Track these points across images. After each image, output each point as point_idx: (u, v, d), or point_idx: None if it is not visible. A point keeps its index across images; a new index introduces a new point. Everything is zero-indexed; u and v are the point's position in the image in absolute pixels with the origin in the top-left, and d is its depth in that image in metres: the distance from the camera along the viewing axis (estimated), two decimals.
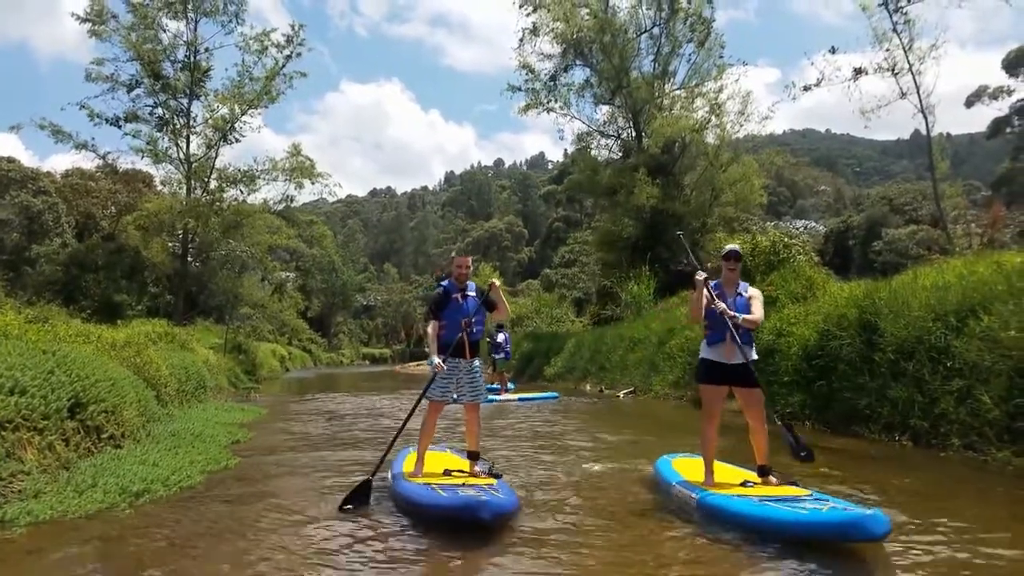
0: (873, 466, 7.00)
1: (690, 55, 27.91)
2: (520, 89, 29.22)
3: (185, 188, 24.77)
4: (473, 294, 5.83)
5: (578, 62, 28.96)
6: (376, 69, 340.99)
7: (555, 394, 16.39)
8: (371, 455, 7.97)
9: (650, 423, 11.97)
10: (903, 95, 21.29)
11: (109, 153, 24.89)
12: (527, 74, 28.99)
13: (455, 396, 5.74)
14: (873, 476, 6.24)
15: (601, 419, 12.55)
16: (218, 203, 24.95)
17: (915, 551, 3.95)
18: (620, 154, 29.48)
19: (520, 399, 15.41)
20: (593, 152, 30.74)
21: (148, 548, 4.26)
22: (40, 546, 4.23)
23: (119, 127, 23.93)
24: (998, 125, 47.12)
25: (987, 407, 6.78)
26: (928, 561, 3.79)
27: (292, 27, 25.16)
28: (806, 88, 23.62)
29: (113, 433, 7.10)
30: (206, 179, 24.98)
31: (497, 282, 5.92)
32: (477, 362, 5.83)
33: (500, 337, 17.33)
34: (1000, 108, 45.95)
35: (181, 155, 24.65)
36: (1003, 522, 4.69)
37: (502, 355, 17.39)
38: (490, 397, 15.01)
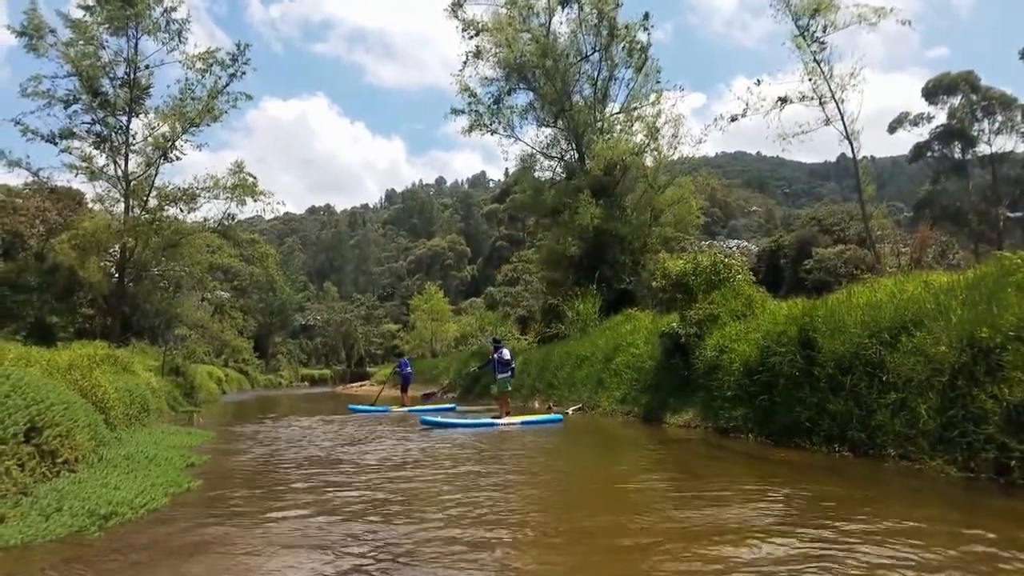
0: (811, 475, 7.41)
1: (628, 80, 28.81)
2: (463, 112, 29.65)
3: (123, 206, 24.19)
4: None
5: (521, 86, 29.58)
6: (298, 85, 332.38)
7: (558, 416, 15.45)
8: (335, 477, 8.03)
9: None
10: (828, 122, 22.34)
11: (42, 170, 24.18)
12: (469, 97, 29.49)
13: None
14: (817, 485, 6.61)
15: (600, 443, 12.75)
16: (158, 222, 24.40)
17: (859, 552, 4.29)
18: (563, 175, 30.05)
19: (523, 423, 14.24)
20: (536, 173, 31.25)
21: (128, 569, 4.27)
22: (11, 571, 4.21)
23: (55, 144, 23.29)
24: (919, 150, 49.59)
25: (923, 418, 7.20)
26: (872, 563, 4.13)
27: (238, 46, 25.00)
28: (733, 118, 24.63)
29: (67, 458, 6.97)
30: (145, 197, 24.46)
31: None
32: None
33: (507, 353, 15.71)
34: (921, 134, 48.73)
35: (119, 173, 24.10)
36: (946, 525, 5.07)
37: (508, 373, 15.56)
38: (492, 421, 14.41)
